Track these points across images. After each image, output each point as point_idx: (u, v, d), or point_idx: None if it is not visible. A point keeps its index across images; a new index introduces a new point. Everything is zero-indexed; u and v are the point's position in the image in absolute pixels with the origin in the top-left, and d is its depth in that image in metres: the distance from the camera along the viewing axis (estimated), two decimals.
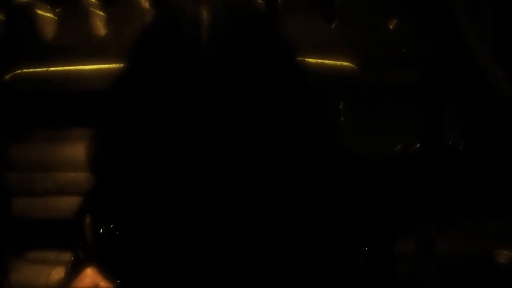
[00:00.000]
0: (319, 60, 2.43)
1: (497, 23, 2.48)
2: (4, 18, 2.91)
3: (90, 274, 0.66)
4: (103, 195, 0.68)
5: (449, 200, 0.75)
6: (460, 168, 0.73)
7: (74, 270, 0.70)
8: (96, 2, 2.82)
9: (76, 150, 2.50)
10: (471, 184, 0.74)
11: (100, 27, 2.76)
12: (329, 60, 2.49)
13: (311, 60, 2.53)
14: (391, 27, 2.72)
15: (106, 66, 2.30)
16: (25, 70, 2.65)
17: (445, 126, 0.78)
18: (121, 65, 0.68)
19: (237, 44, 0.63)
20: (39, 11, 2.83)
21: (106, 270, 0.66)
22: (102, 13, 2.82)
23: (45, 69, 2.61)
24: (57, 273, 2.32)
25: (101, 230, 0.68)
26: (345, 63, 2.52)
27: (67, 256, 0.91)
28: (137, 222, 0.65)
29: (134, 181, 0.65)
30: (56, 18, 2.85)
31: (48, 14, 2.87)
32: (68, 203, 2.41)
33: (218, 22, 0.64)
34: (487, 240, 2.31)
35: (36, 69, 2.62)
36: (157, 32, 0.67)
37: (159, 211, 0.64)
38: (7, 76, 2.68)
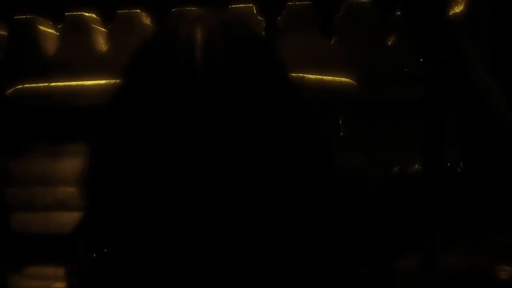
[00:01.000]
0: (318, 76, 2.45)
1: (494, 41, 2.51)
2: (6, 34, 2.93)
3: None
4: (97, 217, 0.68)
5: (449, 221, 0.75)
6: (458, 189, 0.73)
7: None
8: (97, 18, 2.85)
9: (76, 165, 2.50)
10: (470, 206, 0.74)
11: (101, 43, 2.79)
12: (328, 76, 2.50)
13: (310, 76, 2.55)
14: (389, 43, 2.74)
15: (107, 81, 2.32)
16: (26, 85, 2.66)
17: (444, 145, 0.78)
18: (117, 81, 0.68)
19: (231, 65, 0.64)
20: (41, 27, 2.86)
21: None
22: (103, 29, 2.85)
23: (46, 84, 2.63)
24: None
25: (94, 255, 0.67)
26: (344, 79, 2.54)
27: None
28: (133, 246, 0.65)
29: (130, 200, 0.64)
30: (58, 34, 2.87)
31: (50, 30, 2.90)
32: (68, 218, 2.41)
33: (212, 42, 0.65)
34: (488, 256, 2.31)
35: (38, 84, 2.64)
36: (151, 51, 0.67)
37: (156, 233, 0.64)
38: (9, 91, 2.69)
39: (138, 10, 2.74)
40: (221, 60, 0.63)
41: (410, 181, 0.74)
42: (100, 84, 2.45)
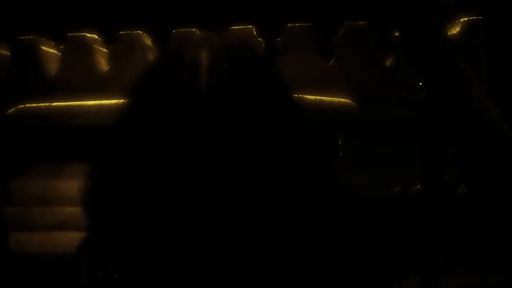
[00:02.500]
0: (317, 97, 2.47)
1: (491, 61, 2.53)
2: (9, 54, 2.96)
3: None
4: (101, 236, 0.68)
5: (450, 242, 0.75)
6: (459, 210, 0.74)
7: None
8: (99, 39, 2.88)
9: (76, 184, 2.50)
10: (470, 226, 0.74)
11: (102, 63, 2.81)
12: (327, 96, 2.52)
13: (309, 96, 2.57)
14: (388, 64, 2.77)
15: (108, 102, 2.33)
16: (28, 104, 2.68)
17: (445, 167, 0.79)
18: (122, 101, 0.69)
19: (235, 86, 0.65)
20: (43, 47, 2.89)
21: None
22: (105, 50, 2.88)
23: (47, 104, 2.64)
24: None
25: (99, 273, 0.67)
26: (343, 100, 2.56)
27: None
28: (136, 264, 0.65)
29: (134, 219, 0.65)
30: (60, 54, 2.90)
31: (52, 50, 2.92)
32: (67, 238, 2.40)
33: (217, 65, 0.66)
34: (490, 278, 2.29)
35: (39, 104, 2.65)
36: (156, 72, 0.69)
37: (159, 252, 0.64)
38: (10, 110, 2.71)
39: (140, 31, 2.77)
40: (226, 82, 0.64)
41: (411, 200, 0.74)
42: (101, 104, 2.46)
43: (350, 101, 2.58)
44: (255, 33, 2.73)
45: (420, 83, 0.77)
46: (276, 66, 0.71)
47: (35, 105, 2.66)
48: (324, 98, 2.51)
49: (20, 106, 2.68)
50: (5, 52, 3.01)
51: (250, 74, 0.65)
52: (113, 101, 2.20)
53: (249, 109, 0.62)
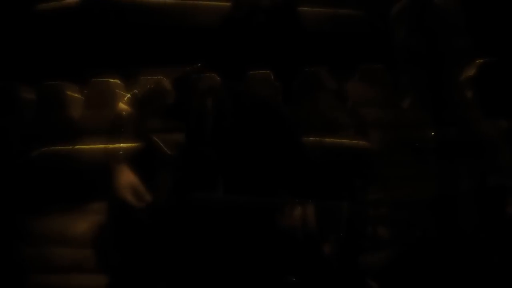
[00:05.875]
0: (335, 140, 2.49)
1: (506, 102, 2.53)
2: (34, 98, 3.06)
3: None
4: (122, 277, 0.71)
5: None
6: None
7: None
8: (121, 83, 2.97)
9: (96, 226, 2.54)
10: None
11: (124, 107, 2.88)
12: (344, 139, 2.54)
13: (327, 139, 2.59)
14: (404, 107, 2.79)
15: (128, 145, 2.38)
16: (52, 147, 2.75)
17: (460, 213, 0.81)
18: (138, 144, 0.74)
19: (239, 130, 0.70)
20: (68, 92, 2.98)
21: None
22: (126, 94, 2.95)
23: (71, 147, 2.71)
24: None
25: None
26: (360, 142, 2.57)
27: None
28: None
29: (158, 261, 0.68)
30: (83, 98, 2.99)
31: (76, 95, 3.02)
32: (86, 280, 2.41)
33: (221, 111, 0.71)
34: None
35: (63, 147, 2.72)
36: (170, 113, 0.74)
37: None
38: (35, 153, 2.78)
39: (160, 76, 2.85)
40: (230, 126, 0.68)
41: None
42: (121, 147, 2.51)
43: (367, 143, 2.60)
44: (272, 77, 2.79)
45: (433, 134, 0.79)
46: (285, 108, 0.75)
47: (59, 148, 2.72)
48: (341, 140, 2.53)
49: (44, 149, 2.75)
50: (31, 96, 3.11)
51: (254, 119, 0.69)
52: (133, 144, 2.24)
53: (253, 152, 0.66)
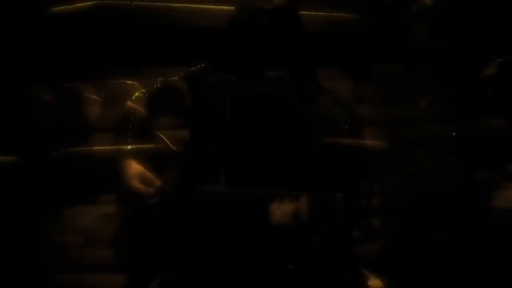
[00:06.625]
0: (351, 140, 2.48)
1: None
2: (53, 100, 3.10)
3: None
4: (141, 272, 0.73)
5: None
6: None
7: None
8: (138, 85, 2.99)
9: (115, 226, 2.56)
10: None
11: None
12: (361, 139, 2.53)
13: (344, 140, 2.58)
14: (422, 106, 2.77)
15: (146, 146, 2.40)
16: (70, 148, 2.79)
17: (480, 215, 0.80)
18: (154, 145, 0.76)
19: (254, 129, 0.72)
20: (86, 94, 3.02)
21: None
22: (143, 96, 2.98)
23: (89, 148, 2.74)
24: None
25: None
26: (377, 142, 2.56)
27: None
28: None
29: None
30: (101, 100, 3.02)
31: (94, 97, 3.05)
32: (105, 281, 2.44)
33: (237, 109, 0.73)
34: None
35: (81, 148, 2.75)
36: (189, 112, 0.77)
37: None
38: (53, 154, 2.82)
39: (176, 78, 2.87)
40: (246, 125, 0.70)
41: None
42: (139, 148, 2.53)
43: (383, 144, 2.58)
44: (288, 78, 2.79)
45: (454, 135, 0.79)
46: (298, 111, 0.76)
47: (77, 149, 2.76)
48: (358, 141, 2.51)
49: (63, 150, 2.79)
50: (49, 99, 3.15)
51: (268, 119, 0.70)
52: (150, 145, 2.27)
53: (268, 149, 0.67)
